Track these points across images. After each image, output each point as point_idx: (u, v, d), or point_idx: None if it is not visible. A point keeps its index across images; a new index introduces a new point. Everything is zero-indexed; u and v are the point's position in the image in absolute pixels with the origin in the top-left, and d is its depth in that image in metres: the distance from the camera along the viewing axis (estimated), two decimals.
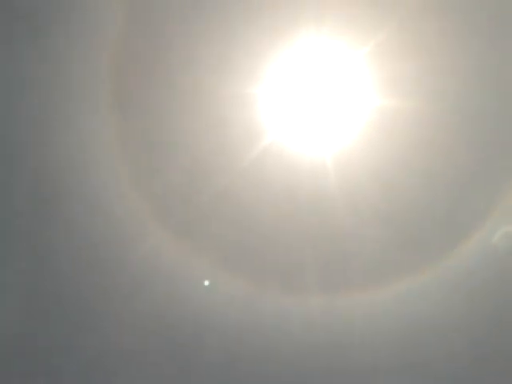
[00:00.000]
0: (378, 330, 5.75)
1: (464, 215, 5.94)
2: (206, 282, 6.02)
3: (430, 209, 5.95)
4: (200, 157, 6.08)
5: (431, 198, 5.97)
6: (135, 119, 6.12)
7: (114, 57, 6.15)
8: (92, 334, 6.04)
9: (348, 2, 5.90)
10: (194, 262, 6.22)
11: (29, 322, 6.05)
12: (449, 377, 5.79)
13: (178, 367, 6.02)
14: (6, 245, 6.12)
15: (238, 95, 6.08)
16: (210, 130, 6.07)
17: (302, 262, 6.05)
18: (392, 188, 5.95)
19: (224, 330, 5.91)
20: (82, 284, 6.14)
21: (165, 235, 6.10)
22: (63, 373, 6.04)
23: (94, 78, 6.13)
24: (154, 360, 6.04)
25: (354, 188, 5.98)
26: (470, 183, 5.94)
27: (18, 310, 6.07)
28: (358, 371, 5.81)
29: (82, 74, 6.08)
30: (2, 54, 5.92)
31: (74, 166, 6.14)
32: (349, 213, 5.99)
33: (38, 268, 6.13)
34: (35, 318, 6.08)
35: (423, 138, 5.90)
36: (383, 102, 6.10)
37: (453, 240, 5.94)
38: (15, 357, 5.99)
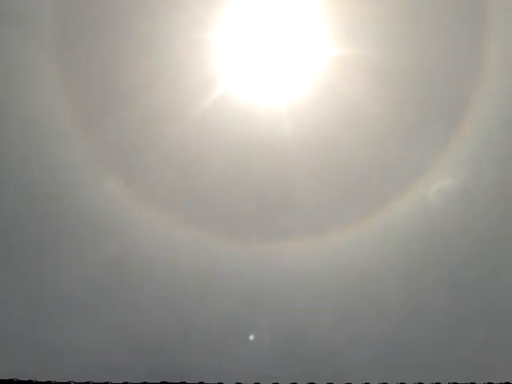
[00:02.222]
0: (315, 275, 6.02)
1: (403, 169, 6.17)
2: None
3: (372, 161, 6.14)
4: (153, 104, 5.97)
5: (374, 151, 6.15)
6: (84, 66, 5.90)
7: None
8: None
9: None
10: (147, 210, 6.22)
11: None
12: (383, 317, 6.17)
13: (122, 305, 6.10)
14: None
15: (192, 42, 5.95)
16: (164, 77, 5.94)
17: (249, 209, 6.16)
18: (337, 139, 6.08)
19: (171, 272, 6.03)
20: (34, 234, 6.04)
21: (116, 183, 6.04)
22: None
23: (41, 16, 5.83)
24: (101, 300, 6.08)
25: (304, 138, 6.07)
26: (412, 137, 6.15)
27: None
28: (298, 311, 6.08)
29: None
30: None
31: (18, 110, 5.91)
32: (297, 163, 6.10)
33: None
34: None
35: (374, 87, 6.00)
36: (336, 51, 6.14)
37: (392, 192, 6.17)
38: None
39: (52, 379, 3.66)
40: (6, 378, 3.29)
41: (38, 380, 3.50)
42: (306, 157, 6.16)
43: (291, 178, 6.21)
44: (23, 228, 6.02)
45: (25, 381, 3.45)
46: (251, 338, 6.06)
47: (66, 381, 3.84)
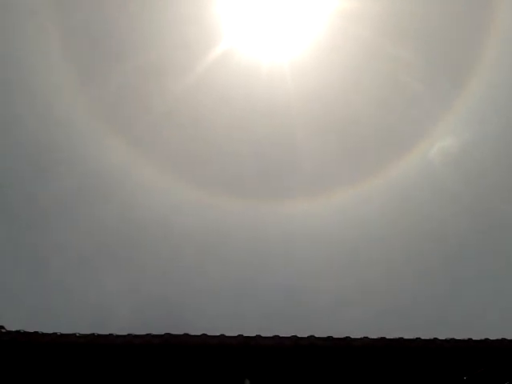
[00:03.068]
0: (317, 234, 6.05)
1: (406, 128, 6.12)
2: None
3: (375, 120, 6.09)
4: (155, 57, 5.87)
5: (378, 110, 6.08)
6: (86, 21, 5.79)
7: None
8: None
9: None
10: (149, 168, 6.20)
11: None
12: (383, 273, 6.23)
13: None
14: None
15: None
16: (167, 32, 5.84)
17: (251, 169, 6.15)
18: (340, 98, 6.00)
19: (173, 229, 6.06)
20: (35, 188, 6.03)
21: (117, 140, 6.01)
22: None
23: None
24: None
25: (307, 97, 6.00)
26: (416, 96, 6.07)
27: None
28: (300, 268, 6.14)
29: None
30: None
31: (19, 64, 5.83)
32: (300, 122, 6.05)
33: None
34: None
35: (378, 42, 5.88)
36: (339, 5, 6.00)
37: (394, 152, 6.14)
38: None
39: (57, 331, 3.74)
40: (13, 329, 3.37)
41: (44, 331, 3.58)
42: (309, 116, 6.12)
43: (294, 138, 6.18)
44: (24, 184, 6.01)
45: (30, 332, 3.55)
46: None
47: (71, 332, 3.92)
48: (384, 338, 3.51)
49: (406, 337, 3.63)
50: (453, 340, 3.55)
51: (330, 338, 3.41)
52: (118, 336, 3.37)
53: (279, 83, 6.20)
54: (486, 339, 3.74)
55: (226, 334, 3.34)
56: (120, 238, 5.97)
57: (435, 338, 3.60)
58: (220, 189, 6.13)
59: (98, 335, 3.46)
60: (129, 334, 3.46)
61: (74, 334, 3.61)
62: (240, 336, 3.31)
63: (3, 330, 3.49)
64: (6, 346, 3.45)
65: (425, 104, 6.07)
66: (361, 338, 3.44)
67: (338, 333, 3.40)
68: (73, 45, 5.91)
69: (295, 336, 3.40)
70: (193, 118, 6.11)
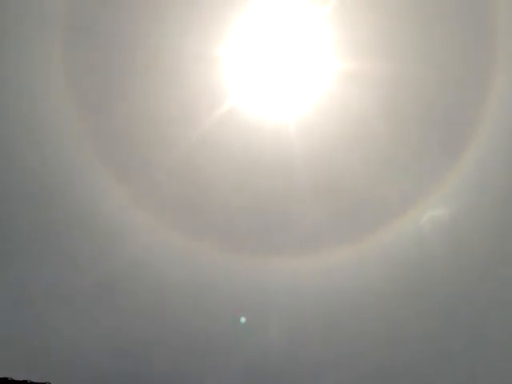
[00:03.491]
0: (307, 292, 5.92)
1: (401, 193, 6.07)
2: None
3: (372, 183, 6.08)
4: (160, 110, 6.08)
5: (375, 174, 6.08)
6: (90, 76, 6.09)
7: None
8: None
9: None
10: (146, 215, 6.26)
11: None
12: (372, 336, 5.97)
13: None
14: None
15: (202, 56, 6.05)
16: (172, 90, 6.05)
17: (248, 223, 6.14)
18: (339, 159, 6.04)
19: (159, 279, 6.02)
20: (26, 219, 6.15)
21: (115, 186, 6.14)
22: None
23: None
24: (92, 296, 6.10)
25: (308, 155, 6.04)
26: (412, 162, 6.07)
27: None
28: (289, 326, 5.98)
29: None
30: None
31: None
32: (298, 180, 6.08)
33: None
34: None
35: (380, 103, 5.93)
36: (345, 64, 6.09)
37: (386, 218, 6.10)
38: None
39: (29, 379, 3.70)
40: None
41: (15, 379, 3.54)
42: (307, 175, 6.15)
43: (291, 195, 6.17)
44: (19, 224, 6.16)
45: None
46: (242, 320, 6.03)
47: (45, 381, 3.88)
48: None
49: None
50: None
51: None
52: None
53: (283, 141, 6.26)
54: None
55: None
56: (106, 282, 5.97)
57: None
58: (214, 239, 6.12)
59: None
60: None
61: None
62: None
63: None
64: None
65: (418, 173, 6.04)
66: None
67: None
68: (76, 88, 6.19)
69: None
70: (194, 172, 6.20)
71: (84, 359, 5.64)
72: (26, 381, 3.48)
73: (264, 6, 6.03)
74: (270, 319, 6.01)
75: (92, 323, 5.89)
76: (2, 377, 3.55)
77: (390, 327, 5.93)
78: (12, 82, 6.01)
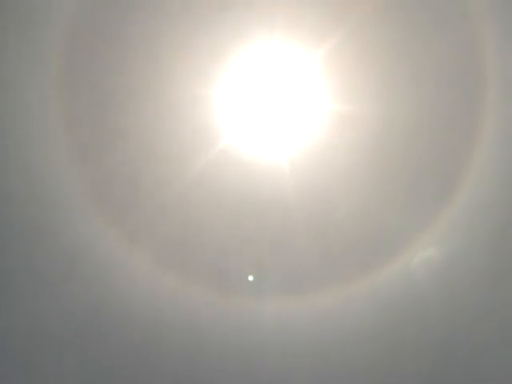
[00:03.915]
0: (294, 336, 5.96)
1: (393, 236, 6.18)
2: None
3: (362, 226, 6.18)
4: (154, 151, 6.10)
5: (366, 215, 6.19)
6: (86, 111, 6.09)
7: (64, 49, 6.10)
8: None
9: (301, 8, 5.98)
10: (136, 256, 6.25)
11: None
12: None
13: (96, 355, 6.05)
14: None
15: (195, 96, 6.11)
16: (165, 131, 6.08)
17: (237, 265, 6.17)
18: (332, 200, 6.13)
19: (153, 323, 6.01)
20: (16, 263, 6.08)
21: (106, 226, 6.11)
22: None
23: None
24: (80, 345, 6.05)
25: (300, 197, 6.12)
26: (405, 204, 6.18)
27: None
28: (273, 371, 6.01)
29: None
30: None
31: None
32: (292, 222, 6.13)
33: None
34: None
35: (372, 145, 6.06)
36: (337, 107, 6.22)
37: (378, 259, 6.15)
38: None
39: None
40: None
41: None
42: (300, 215, 6.19)
43: (283, 236, 6.22)
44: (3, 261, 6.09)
45: None
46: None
47: None
48: None
49: None
50: None
51: None
52: None
53: (277, 181, 6.33)
54: None
55: None
56: (94, 324, 5.93)
57: None
58: (201, 280, 6.14)
59: None
60: None
61: None
62: None
63: None
64: None
65: (410, 214, 6.16)
66: None
67: None
68: (73, 128, 6.19)
69: None
70: (187, 211, 6.21)
71: None
72: None
73: (259, 49, 6.14)
74: (256, 361, 6.03)
75: (81, 369, 5.83)
76: None
77: (382, 370, 5.99)
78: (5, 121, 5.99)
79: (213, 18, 5.96)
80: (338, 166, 6.21)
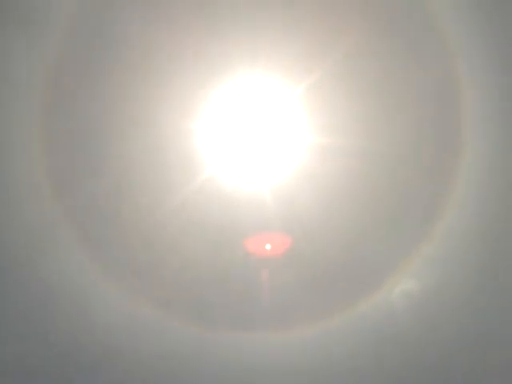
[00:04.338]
0: (273, 368, 5.97)
1: (373, 267, 6.22)
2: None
3: (343, 257, 6.21)
4: (135, 192, 6.12)
5: (347, 247, 6.23)
6: (62, 149, 6.12)
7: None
8: None
9: (284, 43, 6.08)
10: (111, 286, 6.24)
11: None
12: None
13: None
14: None
15: (176, 129, 6.17)
16: (148, 162, 6.12)
17: (213, 297, 6.18)
18: (312, 230, 6.17)
19: (125, 353, 5.99)
20: None
21: (82, 255, 6.11)
22: None
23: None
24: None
25: (283, 222, 6.16)
26: (385, 235, 6.22)
27: None
28: None
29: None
30: None
31: None
32: (273, 249, 6.17)
33: None
34: None
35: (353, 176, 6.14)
36: (318, 139, 6.30)
37: (358, 291, 6.21)
38: None
39: None
40: None
41: None
42: (280, 244, 6.23)
43: (266, 267, 6.25)
44: None
45: None
46: None
47: None
48: None
49: None
50: None
51: None
52: None
53: (259, 211, 6.38)
54: None
55: None
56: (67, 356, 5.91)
57: None
58: (180, 311, 6.13)
59: None
60: None
61: None
62: None
63: None
64: None
65: (391, 245, 6.21)
66: None
67: None
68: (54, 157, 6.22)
69: None
70: (169, 243, 6.23)
71: None
72: None
73: (242, 82, 6.23)
74: None
75: None
76: None
77: None
78: None
79: (196, 51, 6.05)
80: (318, 197, 6.27)
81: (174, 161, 6.30)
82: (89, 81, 6.23)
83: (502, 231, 6.25)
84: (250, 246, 6.33)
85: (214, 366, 6.02)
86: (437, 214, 6.27)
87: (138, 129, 6.22)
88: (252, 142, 6.40)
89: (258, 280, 6.26)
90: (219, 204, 6.36)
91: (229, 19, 6.03)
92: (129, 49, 6.13)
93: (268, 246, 6.30)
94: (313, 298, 6.17)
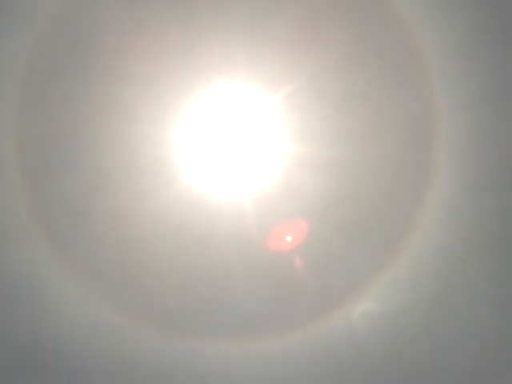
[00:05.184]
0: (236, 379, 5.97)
1: (337, 286, 6.25)
2: None
3: (310, 274, 6.24)
4: (111, 201, 6.09)
5: (315, 263, 6.27)
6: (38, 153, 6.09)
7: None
8: None
9: (263, 50, 6.12)
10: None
11: None
12: None
13: None
14: None
15: (153, 137, 6.16)
16: (123, 172, 6.10)
17: (188, 302, 6.18)
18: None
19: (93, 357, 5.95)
20: None
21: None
22: None
23: None
24: None
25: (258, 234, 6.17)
26: (351, 253, 6.26)
27: None
28: None
29: None
30: None
31: None
32: (244, 261, 6.18)
33: None
34: None
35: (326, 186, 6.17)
36: (296, 148, 6.34)
37: (319, 309, 6.29)
38: None
39: None
40: None
41: None
42: (255, 255, 6.23)
43: (234, 277, 6.23)
44: None
45: None
46: None
47: None
48: None
49: None
50: None
51: None
52: None
53: (236, 219, 6.38)
54: None
55: None
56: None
57: None
58: (148, 318, 6.08)
59: None
60: None
61: None
62: None
63: None
64: None
65: (353, 265, 6.23)
66: None
67: None
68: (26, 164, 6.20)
69: None
70: (146, 251, 6.20)
71: None
72: None
73: (221, 91, 6.25)
74: None
75: None
76: None
77: None
78: None
79: (174, 60, 6.07)
80: (293, 205, 6.30)
81: (153, 169, 6.29)
82: (69, 81, 6.21)
83: (468, 257, 6.31)
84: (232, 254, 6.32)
85: (176, 374, 5.99)
86: (403, 238, 6.31)
87: (117, 138, 6.21)
88: (230, 151, 6.42)
89: (235, 288, 6.25)
90: (197, 212, 6.36)
91: (208, 29, 6.07)
92: (109, 55, 6.14)
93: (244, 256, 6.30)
94: (274, 311, 6.18)
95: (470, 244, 6.28)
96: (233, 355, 6.02)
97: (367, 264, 6.20)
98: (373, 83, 6.29)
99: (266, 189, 6.41)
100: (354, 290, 6.20)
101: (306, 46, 6.06)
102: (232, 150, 6.36)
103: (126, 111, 6.02)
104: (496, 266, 6.25)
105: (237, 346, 6.08)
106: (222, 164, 6.41)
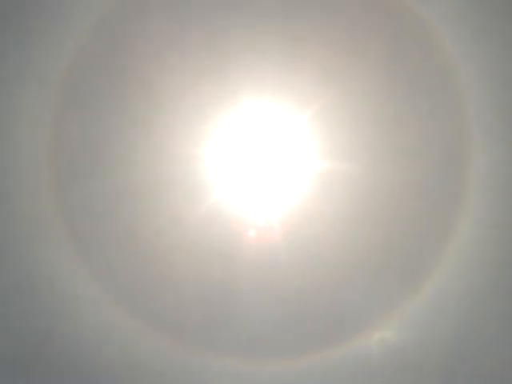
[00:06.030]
0: None
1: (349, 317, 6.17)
2: None
3: (329, 301, 6.14)
4: (139, 219, 6.13)
5: (336, 288, 6.17)
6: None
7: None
8: None
9: (292, 69, 6.16)
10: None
11: None
12: None
13: None
14: None
15: (183, 155, 6.21)
16: (152, 189, 6.14)
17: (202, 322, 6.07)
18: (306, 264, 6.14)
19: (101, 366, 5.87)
20: None
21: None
22: None
23: None
24: None
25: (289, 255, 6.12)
26: (373, 282, 6.16)
27: None
28: None
29: None
30: None
31: None
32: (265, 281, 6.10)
33: None
34: None
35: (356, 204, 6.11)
36: (325, 165, 6.30)
37: (335, 339, 6.19)
38: None
39: None
40: None
41: None
42: (272, 276, 6.15)
43: (249, 294, 6.14)
44: None
45: None
46: None
47: None
48: None
49: None
50: None
51: None
52: None
53: (263, 237, 6.34)
54: None
55: None
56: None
57: None
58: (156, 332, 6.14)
59: None
60: None
61: None
62: None
63: None
64: None
65: (373, 298, 6.19)
66: None
67: None
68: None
69: None
70: (175, 268, 6.18)
71: None
72: None
73: (250, 109, 6.29)
74: None
75: None
76: None
77: None
78: None
79: (204, 78, 6.15)
80: (326, 223, 6.23)
81: (181, 186, 6.31)
82: (107, 91, 6.29)
83: (488, 292, 6.14)
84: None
85: None
86: (426, 271, 6.19)
87: (144, 154, 6.27)
88: (258, 168, 6.42)
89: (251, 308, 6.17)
90: (224, 228, 6.34)
91: (240, 47, 6.14)
92: (138, 72, 6.23)
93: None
94: (289, 336, 6.07)
95: (490, 278, 6.13)
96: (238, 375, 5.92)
97: (389, 292, 6.09)
98: (403, 107, 6.26)
99: (295, 205, 6.38)
100: (372, 317, 6.07)
101: (335, 61, 6.08)
102: (262, 166, 6.36)
103: (159, 125, 6.09)
104: None
105: (244, 365, 5.98)
106: (249, 181, 6.42)
